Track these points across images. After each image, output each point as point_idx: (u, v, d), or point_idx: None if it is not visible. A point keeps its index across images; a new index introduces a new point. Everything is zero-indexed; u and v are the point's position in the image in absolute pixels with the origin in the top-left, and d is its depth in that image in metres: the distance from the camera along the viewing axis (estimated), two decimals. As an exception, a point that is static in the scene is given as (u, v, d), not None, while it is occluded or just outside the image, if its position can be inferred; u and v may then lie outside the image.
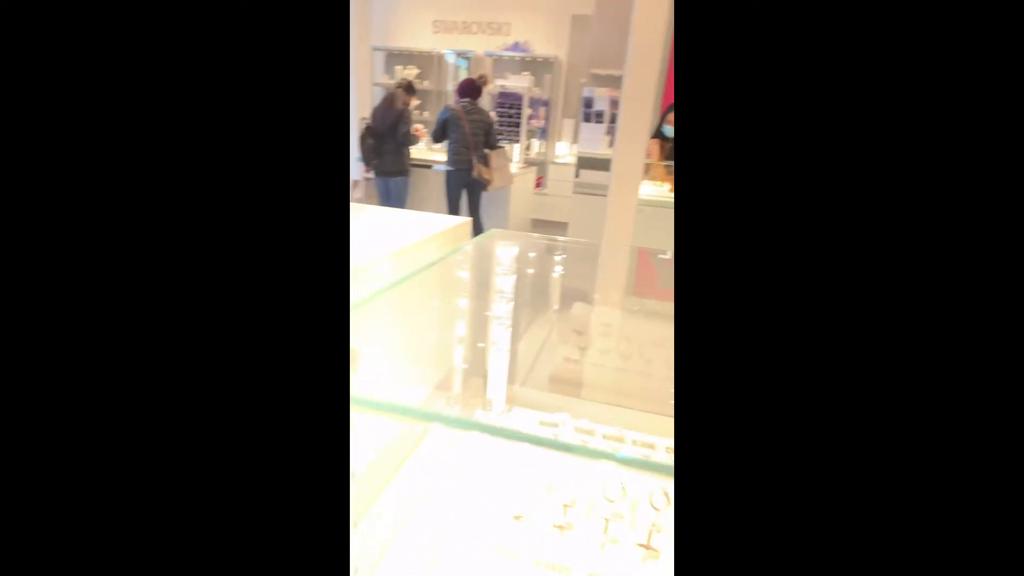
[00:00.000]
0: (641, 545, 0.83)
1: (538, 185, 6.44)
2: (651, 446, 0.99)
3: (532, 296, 1.25)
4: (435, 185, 4.84)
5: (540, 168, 6.59)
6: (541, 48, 6.63)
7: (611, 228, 2.82)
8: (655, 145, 4.07)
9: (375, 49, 7.00)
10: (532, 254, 1.11)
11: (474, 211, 4.60)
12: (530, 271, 1.30)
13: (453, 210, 4.57)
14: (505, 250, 1.00)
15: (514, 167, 5.08)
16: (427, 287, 0.97)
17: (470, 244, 1.07)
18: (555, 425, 1.03)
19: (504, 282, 1.02)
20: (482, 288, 1.11)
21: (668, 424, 1.14)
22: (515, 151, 5.77)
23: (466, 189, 4.51)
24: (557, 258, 1.31)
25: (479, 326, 1.07)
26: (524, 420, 1.08)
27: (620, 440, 1.00)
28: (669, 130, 4.04)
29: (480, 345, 1.11)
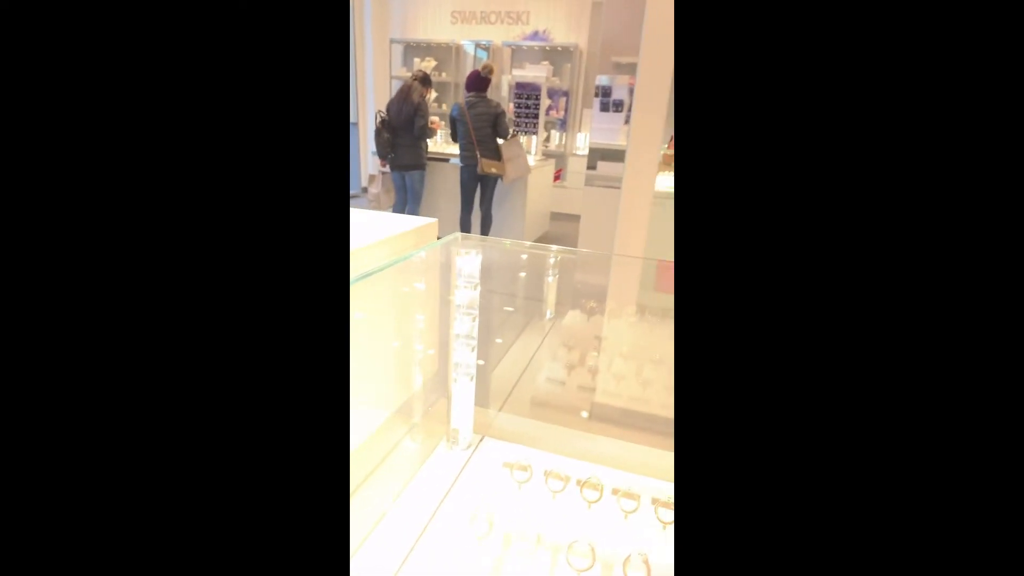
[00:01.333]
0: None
1: (557, 178, 6.28)
2: (635, 497, 0.84)
3: (500, 306, 1.12)
4: (453, 178, 4.74)
5: (559, 160, 6.43)
6: (561, 37, 6.45)
7: (624, 221, 2.68)
8: None
9: (393, 42, 6.92)
10: (487, 260, 0.97)
11: (486, 205, 4.50)
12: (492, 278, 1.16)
13: (467, 204, 4.49)
14: (465, 259, 0.87)
15: (532, 159, 4.94)
16: (370, 295, 0.84)
17: (423, 251, 0.93)
18: (525, 469, 0.89)
19: (463, 295, 0.88)
20: (439, 300, 0.98)
21: (662, 460, 1.00)
22: (533, 143, 5.61)
23: (480, 183, 4.40)
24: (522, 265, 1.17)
25: (442, 341, 0.94)
26: (491, 458, 0.94)
27: (598, 489, 0.86)
28: None
29: (458, 363, 0.98)
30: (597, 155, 4.62)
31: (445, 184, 4.99)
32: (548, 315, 1.25)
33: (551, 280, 1.27)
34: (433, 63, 6.82)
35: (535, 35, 6.52)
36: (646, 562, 0.70)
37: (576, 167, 6.32)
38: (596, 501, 0.84)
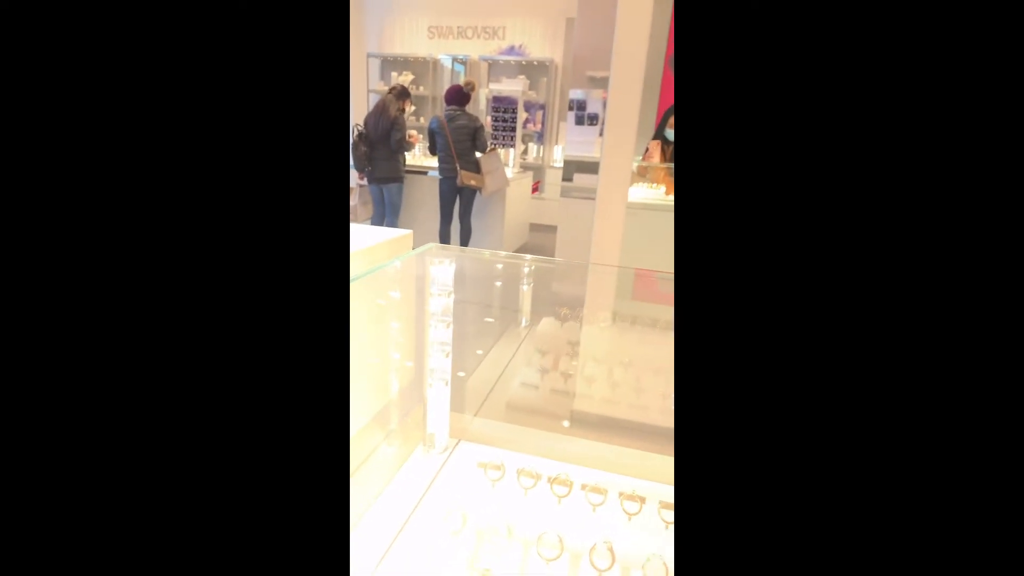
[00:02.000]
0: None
1: (535, 190, 6.35)
2: (602, 492, 0.88)
3: (477, 316, 1.16)
4: (431, 191, 4.78)
5: (538, 173, 6.50)
6: (537, 52, 6.56)
7: (599, 231, 2.74)
8: (656, 147, 4.01)
9: (370, 56, 6.96)
10: (461, 270, 1.01)
11: (464, 217, 4.55)
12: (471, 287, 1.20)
13: (446, 216, 4.53)
14: (438, 268, 0.90)
15: (510, 171, 5.00)
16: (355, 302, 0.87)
17: (398, 260, 0.97)
18: (498, 468, 0.92)
19: (437, 303, 0.92)
20: (415, 309, 1.01)
21: (631, 458, 1.04)
22: (511, 156, 5.67)
23: (459, 195, 4.45)
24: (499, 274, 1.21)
25: (419, 349, 0.97)
26: (467, 460, 0.98)
27: (567, 485, 0.90)
28: (671, 133, 3.99)
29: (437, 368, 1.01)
30: (573, 167, 4.71)
31: (423, 196, 5.02)
32: (523, 323, 1.29)
33: (526, 288, 1.32)
34: (411, 77, 6.87)
35: (511, 50, 6.62)
36: (611, 550, 0.74)
37: (554, 179, 6.40)
38: (566, 496, 0.88)
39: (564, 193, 4.20)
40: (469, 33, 6.76)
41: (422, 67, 6.91)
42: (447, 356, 0.94)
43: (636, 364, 1.23)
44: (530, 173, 5.93)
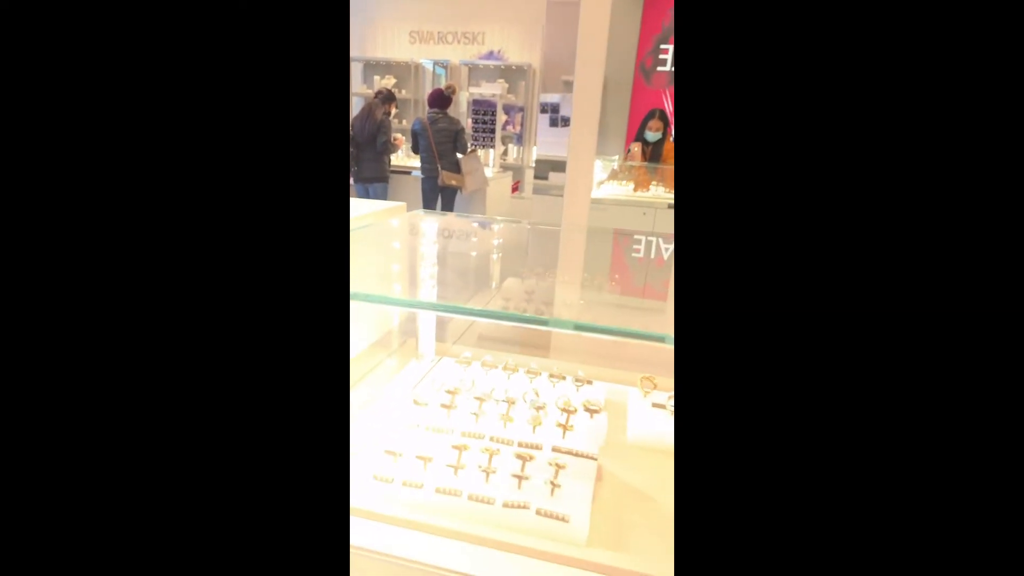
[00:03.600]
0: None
1: (515, 190, 6.63)
2: (562, 377, 1.22)
3: (462, 271, 1.46)
4: (414, 190, 5.02)
5: (517, 173, 6.78)
6: (515, 56, 6.81)
7: (566, 226, 3.02)
8: (638, 148, 4.30)
9: (353, 59, 7.15)
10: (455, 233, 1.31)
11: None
12: (456, 247, 1.51)
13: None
14: (427, 222, 1.20)
15: (490, 172, 5.27)
16: (357, 252, 1.17)
17: (396, 219, 1.27)
18: (467, 362, 1.25)
19: (428, 249, 1.21)
20: (409, 257, 1.32)
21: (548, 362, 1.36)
22: (491, 156, 5.96)
23: (440, 194, 4.71)
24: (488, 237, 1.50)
25: (413, 289, 1.27)
26: (450, 364, 1.29)
27: (535, 373, 1.23)
28: (651, 135, 4.27)
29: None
30: (548, 166, 5.02)
31: (407, 196, 5.25)
32: (493, 286, 1.60)
33: (495, 258, 1.64)
34: (393, 80, 7.08)
35: (490, 55, 6.87)
36: (567, 406, 1.06)
37: (533, 178, 6.67)
38: (537, 375, 1.22)
39: (536, 191, 4.48)
40: (450, 38, 6.99)
41: (404, 70, 7.11)
42: (433, 288, 1.25)
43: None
44: (510, 173, 6.19)
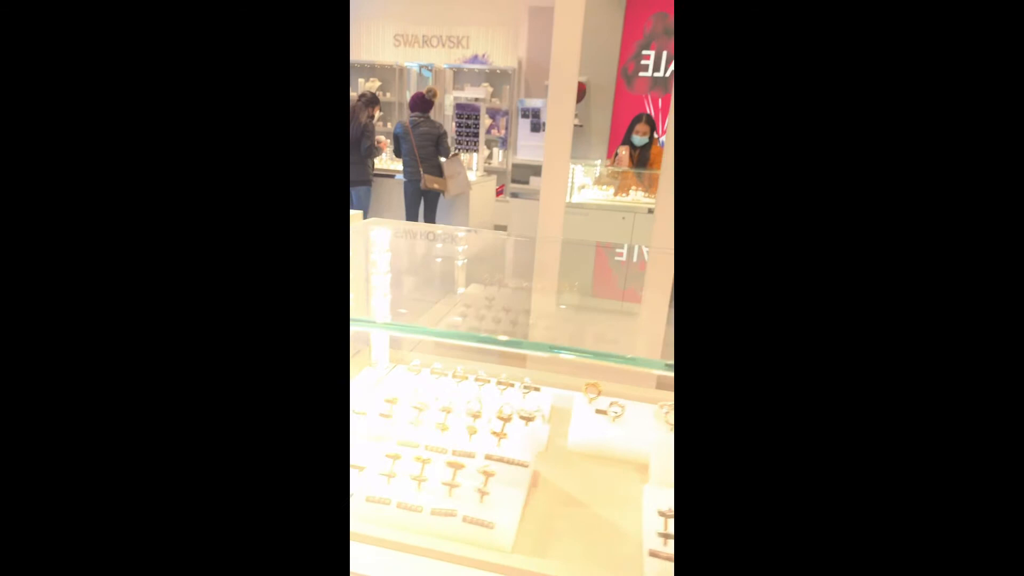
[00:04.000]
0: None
1: (499, 193, 6.65)
2: (510, 384, 1.24)
3: (419, 284, 1.47)
4: (397, 194, 5.04)
5: (501, 176, 6.80)
6: (499, 60, 6.84)
7: (543, 226, 3.04)
8: (625, 152, 4.34)
9: (339, 63, 7.16)
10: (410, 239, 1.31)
11: (429, 218, 4.82)
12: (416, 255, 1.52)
13: (411, 217, 4.78)
14: (378, 231, 1.21)
15: (473, 175, 5.29)
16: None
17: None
18: (417, 370, 1.26)
19: (381, 259, 1.23)
20: (364, 268, 1.33)
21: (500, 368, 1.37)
22: (474, 160, 5.97)
23: (423, 197, 4.73)
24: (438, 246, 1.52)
25: (366, 299, 1.28)
26: (403, 373, 1.31)
27: (485, 381, 1.25)
28: (638, 139, 4.31)
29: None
30: (529, 171, 5.03)
31: (390, 199, 5.27)
32: (460, 291, 1.61)
33: (461, 264, 1.65)
34: (378, 83, 7.09)
35: (475, 59, 6.90)
36: (500, 414, 1.08)
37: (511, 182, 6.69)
38: (487, 382, 1.23)
39: (515, 194, 4.51)
40: (434, 42, 7.01)
41: (389, 74, 7.13)
42: (385, 296, 1.26)
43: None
44: (494, 176, 6.21)
